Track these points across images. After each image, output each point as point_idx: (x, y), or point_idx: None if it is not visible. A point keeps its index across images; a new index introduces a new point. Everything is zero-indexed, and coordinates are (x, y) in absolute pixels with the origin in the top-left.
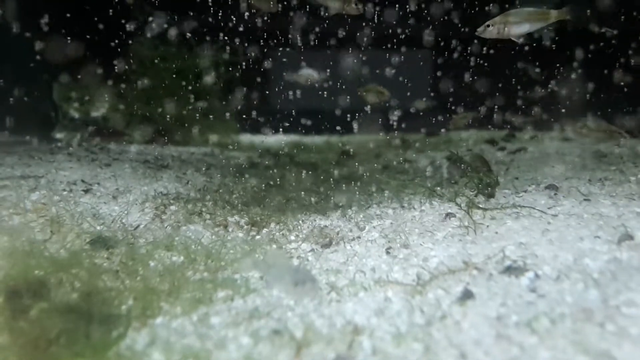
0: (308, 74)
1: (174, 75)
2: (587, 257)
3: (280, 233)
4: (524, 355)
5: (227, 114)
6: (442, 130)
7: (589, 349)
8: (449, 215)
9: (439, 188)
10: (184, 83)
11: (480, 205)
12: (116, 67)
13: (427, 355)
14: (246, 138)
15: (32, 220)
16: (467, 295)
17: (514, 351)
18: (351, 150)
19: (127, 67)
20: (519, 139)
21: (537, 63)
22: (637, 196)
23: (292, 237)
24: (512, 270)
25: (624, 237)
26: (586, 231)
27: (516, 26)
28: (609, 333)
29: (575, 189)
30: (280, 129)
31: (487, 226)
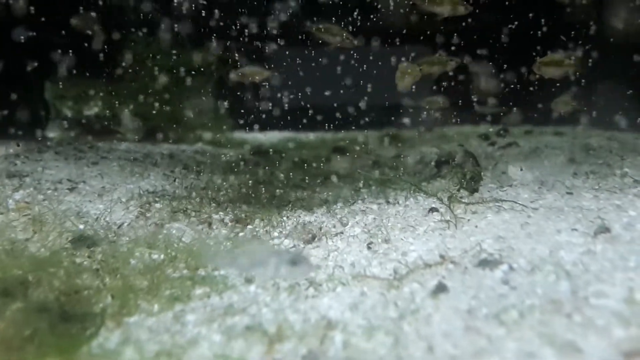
0: (254, 70)
1: (167, 73)
2: (563, 249)
3: (264, 230)
4: (491, 347)
5: (221, 112)
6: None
7: (554, 340)
8: (432, 210)
9: (425, 183)
10: (176, 81)
11: (463, 200)
12: (109, 65)
13: (395, 349)
14: (239, 135)
15: (14, 220)
16: (440, 288)
17: (482, 343)
18: (343, 146)
19: (120, 65)
20: (512, 133)
21: None
22: (619, 189)
23: (276, 234)
24: (487, 263)
25: (601, 230)
26: (565, 224)
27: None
28: (575, 324)
29: (560, 182)
30: (275, 126)
31: (468, 220)
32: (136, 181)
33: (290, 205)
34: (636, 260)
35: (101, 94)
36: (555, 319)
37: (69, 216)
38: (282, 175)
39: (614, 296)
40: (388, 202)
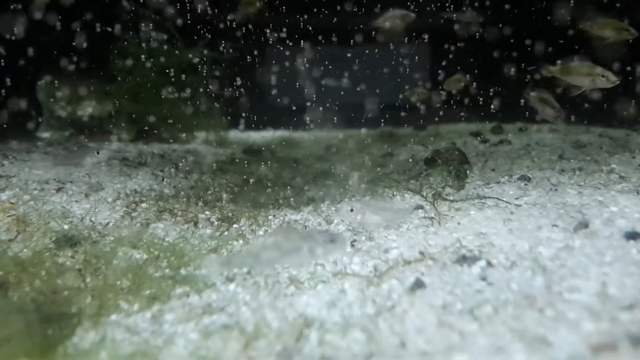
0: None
1: (160, 73)
2: (542, 245)
3: (250, 228)
4: (462, 342)
5: (216, 111)
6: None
7: (525, 335)
8: (418, 207)
9: (413, 180)
10: (170, 80)
11: (449, 197)
12: (101, 65)
13: (369, 345)
14: (234, 135)
15: None
16: (418, 285)
17: (454, 338)
18: (336, 144)
19: (112, 64)
20: (506, 131)
21: None
22: (604, 185)
23: (261, 232)
24: (466, 259)
25: (580, 226)
26: (546, 220)
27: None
28: (547, 318)
29: (546, 179)
30: (270, 125)
31: (452, 217)
32: (124, 181)
33: (277, 204)
34: (612, 255)
35: (97, 94)
36: (528, 314)
37: (53, 216)
38: (271, 174)
39: (586, 291)
40: (375, 200)
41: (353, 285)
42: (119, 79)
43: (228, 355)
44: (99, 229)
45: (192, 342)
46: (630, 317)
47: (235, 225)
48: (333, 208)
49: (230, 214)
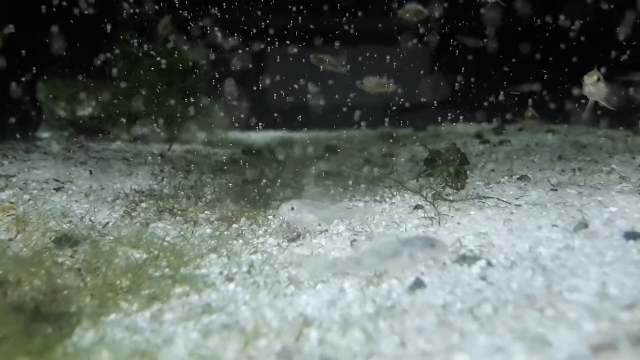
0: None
1: (160, 73)
2: (542, 245)
3: (250, 228)
4: (462, 342)
5: (215, 111)
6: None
7: (525, 334)
8: (418, 207)
9: (414, 181)
10: (170, 80)
11: (449, 197)
12: (101, 65)
13: (368, 344)
14: (234, 135)
15: None
16: (418, 284)
17: (454, 338)
18: (335, 145)
19: (112, 64)
20: (507, 131)
21: None
22: (604, 185)
23: (260, 232)
24: (466, 259)
25: (580, 226)
26: (546, 220)
27: None
28: (547, 318)
29: (546, 179)
30: (269, 126)
31: (452, 217)
32: (124, 181)
33: (277, 204)
34: (613, 255)
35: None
36: (528, 313)
37: (53, 216)
38: (271, 174)
39: (587, 291)
40: (375, 200)
41: (353, 285)
42: (118, 79)
43: (228, 355)
44: (98, 228)
45: (192, 342)
46: (630, 317)
47: (235, 225)
48: (333, 208)
49: (230, 214)
